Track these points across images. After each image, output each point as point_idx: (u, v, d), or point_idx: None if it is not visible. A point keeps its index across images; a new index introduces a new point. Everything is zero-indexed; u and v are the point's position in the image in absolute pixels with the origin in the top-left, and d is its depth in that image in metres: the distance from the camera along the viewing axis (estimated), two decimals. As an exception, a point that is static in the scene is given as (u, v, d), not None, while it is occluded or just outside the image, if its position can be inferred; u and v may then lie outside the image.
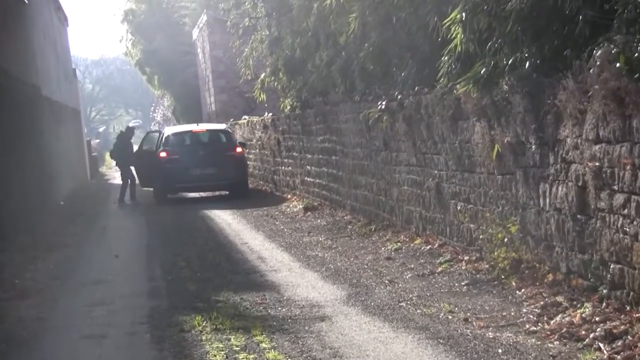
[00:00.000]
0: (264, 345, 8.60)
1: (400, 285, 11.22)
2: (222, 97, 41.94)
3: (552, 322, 8.56)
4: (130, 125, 33.65)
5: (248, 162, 29.20)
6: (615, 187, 8.16)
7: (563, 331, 8.16)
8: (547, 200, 9.68)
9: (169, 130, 28.39)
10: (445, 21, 11.53)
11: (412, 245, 13.88)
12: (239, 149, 26.63)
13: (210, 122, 39.66)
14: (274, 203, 23.56)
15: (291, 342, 8.65)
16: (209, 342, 8.80)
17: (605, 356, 7.45)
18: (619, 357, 7.36)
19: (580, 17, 8.93)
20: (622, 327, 7.86)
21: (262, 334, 8.97)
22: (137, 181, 27.40)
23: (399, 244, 14.16)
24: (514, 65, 9.98)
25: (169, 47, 48.75)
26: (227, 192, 27.19)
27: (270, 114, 27.71)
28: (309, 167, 22.31)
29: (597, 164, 8.39)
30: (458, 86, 11.29)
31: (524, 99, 9.86)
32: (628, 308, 8.17)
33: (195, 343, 8.84)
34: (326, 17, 18.58)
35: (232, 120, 35.96)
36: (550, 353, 7.73)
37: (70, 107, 35.70)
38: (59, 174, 27.02)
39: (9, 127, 17.74)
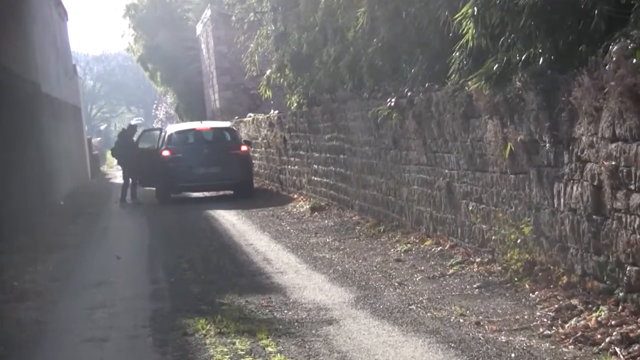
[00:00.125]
0: (269, 349, 8.60)
1: (410, 287, 11.21)
2: (227, 94, 41.97)
3: (566, 325, 8.54)
4: (132, 122, 33.69)
5: (253, 161, 29.22)
6: (632, 187, 8.14)
7: (578, 335, 8.15)
8: (562, 200, 9.66)
9: (172, 128, 28.41)
10: (457, 16, 11.52)
11: (422, 246, 13.87)
12: (244, 148, 26.65)
13: (214, 120, 39.67)
14: (280, 203, 23.56)
15: (298, 346, 8.64)
16: (213, 346, 8.80)
17: (621, 361, 7.44)
18: (635, 362, 7.36)
19: (596, 12, 8.92)
20: (639, 330, 7.85)
21: (267, 338, 8.97)
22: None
23: (408, 245, 14.15)
24: (528, 61, 9.97)
25: (172, 43, 48.78)
26: (232, 192, 27.21)
27: (276, 112, 27.73)
28: (316, 166, 22.32)
29: (613, 163, 8.37)
30: (470, 83, 11.28)
31: (537, 96, 9.85)
32: (645, 311, 8.16)
33: (199, 347, 8.84)
34: (334, 11, 18.60)
35: (236, 117, 35.99)
36: (565, 358, 7.72)
37: (71, 105, 35.75)
38: (59, 173, 27.07)
39: (8, 125, 17.77)
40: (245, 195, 25.95)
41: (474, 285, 10.85)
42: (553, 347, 8.06)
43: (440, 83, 13.14)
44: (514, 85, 10.29)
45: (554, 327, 8.60)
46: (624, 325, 8.08)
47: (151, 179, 26.49)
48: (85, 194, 31.09)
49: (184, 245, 16.33)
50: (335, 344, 8.67)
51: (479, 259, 11.98)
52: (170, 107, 67.49)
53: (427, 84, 13.73)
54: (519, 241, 10.76)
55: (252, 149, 29.74)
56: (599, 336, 8.02)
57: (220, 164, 25.74)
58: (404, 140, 15.10)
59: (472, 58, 11.66)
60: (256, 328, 9.38)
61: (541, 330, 8.61)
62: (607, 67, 8.18)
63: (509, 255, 10.89)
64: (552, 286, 9.84)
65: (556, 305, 9.19)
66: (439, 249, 13.34)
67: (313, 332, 9.19)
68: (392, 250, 14.17)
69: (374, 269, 12.74)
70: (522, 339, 8.39)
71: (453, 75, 12.28)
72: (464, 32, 11.28)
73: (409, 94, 14.30)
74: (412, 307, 10.07)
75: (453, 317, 9.43)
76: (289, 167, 25.84)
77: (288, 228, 18.27)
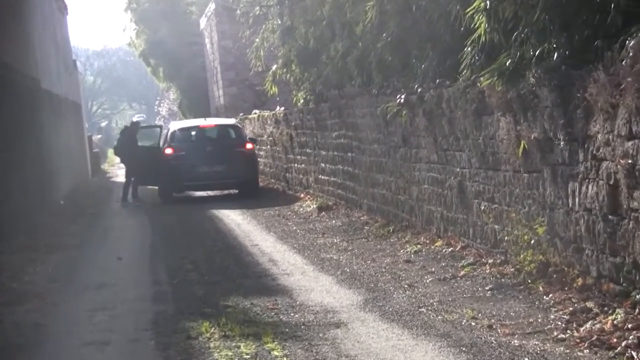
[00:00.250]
0: (275, 353, 8.61)
1: (420, 289, 11.21)
2: (231, 90, 42.04)
3: (581, 329, 8.54)
4: (134, 120, 33.72)
5: (259, 159, 29.21)
6: (649, 186, 8.14)
7: (593, 339, 8.14)
8: (577, 199, 9.66)
9: (175, 125, 28.43)
10: (468, 9, 11.51)
11: (432, 247, 13.88)
12: (249, 145, 26.65)
13: (218, 117, 39.74)
14: (286, 202, 23.58)
15: (304, 350, 8.65)
16: (218, 350, 8.81)
17: (638, 366, 7.44)
18: (653, 366, 7.35)
19: (612, 5, 8.91)
20: (657, 334, 7.85)
21: (273, 341, 8.98)
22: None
23: (418, 246, 14.15)
24: (542, 56, 9.97)
25: (175, 37, 48.87)
26: (237, 191, 27.24)
27: (283, 108, 27.75)
28: (323, 165, 22.32)
29: (629, 161, 8.36)
30: (482, 79, 11.28)
31: (552, 92, 9.84)
32: (663, 315, 8.16)
33: (203, 350, 8.85)
34: (342, 5, 18.60)
35: (241, 114, 36.02)
36: (580, 362, 7.73)
37: (71, 101, 35.79)
38: (59, 171, 27.10)
39: (7, 122, 17.80)
40: (251, 195, 25.97)
41: (486, 288, 10.85)
42: (568, 351, 8.05)
43: (451, 79, 13.14)
44: (527, 81, 10.29)
45: (568, 331, 8.60)
46: (641, 329, 8.08)
47: (153, 177, 26.49)
48: (85, 192, 31.12)
49: (187, 246, 16.35)
50: (343, 347, 8.67)
51: (491, 260, 11.97)
52: (173, 103, 67.63)
53: (437, 80, 13.73)
54: (532, 242, 10.76)
55: (258, 146, 29.74)
56: (615, 340, 8.02)
57: (224, 162, 25.76)
58: (414, 137, 15.10)
59: (485, 53, 11.65)
60: (262, 331, 9.38)
61: (555, 333, 8.60)
62: (623, 62, 8.17)
63: (522, 256, 10.89)
64: (566, 288, 9.84)
65: (571, 308, 9.18)
66: (450, 249, 13.34)
67: (320, 335, 9.19)
68: (401, 251, 14.18)
69: (383, 270, 12.74)
70: (536, 342, 8.38)
71: (465, 71, 12.28)
72: (476, 26, 11.27)
73: (419, 90, 14.30)
74: (423, 309, 10.08)
75: (464, 320, 9.43)
76: (296, 165, 25.86)
77: (294, 228, 18.29)
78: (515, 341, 8.46)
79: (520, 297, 10.22)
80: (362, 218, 18.31)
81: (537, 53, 10.03)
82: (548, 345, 8.29)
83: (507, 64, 10.57)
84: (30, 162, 20.80)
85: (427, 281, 11.68)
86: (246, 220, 20.40)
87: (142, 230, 20.13)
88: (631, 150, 8.33)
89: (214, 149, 26.11)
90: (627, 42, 8.19)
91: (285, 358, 8.41)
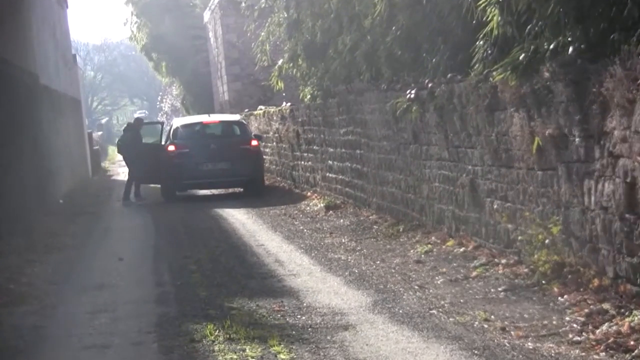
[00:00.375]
0: (282, 356, 8.62)
1: (431, 291, 11.22)
2: (236, 86, 42.03)
3: (597, 331, 8.54)
4: (137, 116, 33.73)
5: (264, 157, 29.25)
6: (668, 184, 8.14)
7: (610, 341, 8.14)
8: (592, 198, 9.66)
9: (178, 122, 28.43)
10: (481, 2, 11.53)
11: (443, 247, 13.88)
12: (254, 143, 26.65)
13: (223, 113, 39.75)
14: (293, 201, 23.60)
15: (312, 353, 8.66)
16: (222, 353, 8.82)
17: (656, 369, 7.44)
18: (671, 370, 7.36)
19: (629, -3, 8.92)
20: (675, 337, 7.86)
21: (279, 344, 8.99)
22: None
23: (429, 245, 14.16)
24: (556, 50, 9.97)
25: (178, 31, 48.89)
26: (241, 190, 27.27)
27: (289, 104, 27.75)
28: (330, 162, 22.34)
29: (647, 158, 8.37)
30: (494, 73, 11.27)
31: (567, 87, 9.84)
32: (681, 316, 8.15)
33: (207, 354, 8.86)
34: (350, -3, 18.62)
35: (246, 110, 36.06)
36: (596, 365, 7.74)
37: (70, 97, 35.86)
38: (58, 170, 27.16)
39: (4, 118, 17.84)
40: (256, 193, 26.01)
41: (499, 289, 10.85)
42: (583, 354, 8.06)
43: (463, 73, 13.14)
44: (541, 75, 10.29)
45: (584, 333, 8.60)
46: (659, 331, 8.09)
47: (155, 175, 26.50)
48: (85, 191, 31.20)
49: (190, 246, 16.38)
50: (351, 350, 8.68)
51: (505, 261, 11.98)
52: (176, 99, 67.70)
53: (449, 75, 13.73)
54: (547, 242, 10.76)
55: (263, 143, 29.78)
56: (632, 342, 8.02)
57: (229, 159, 25.77)
58: (424, 134, 15.11)
59: (497, 47, 11.66)
60: (267, 334, 9.40)
61: (571, 336, 8.61)
62: (641, 56, 8.18)
63: (536, 256, 10.89)
64: (582, 289, 9.84)
65: (587, 310, 9.19)
66: (461, 249, 13.35)
67: (328, 338, 9.21)
68: (411, 251, 14.19)
69: (393, 271, 12.75)
70: (551, 345, 8.39)
71: (477, 66, 12.28)
72: (489, 19, 11.28)
73: (429, 85, 14.30)
74: (433, 311, 10.08)
75: (477, 323, 9.43)
76: (302, 163, 25.87)
77: (301, 228, 18.30)
78: (529, 344, 8.47)
79: (535, 298, 10.22)
80: (371, 217, 18.32)
81: (551, 47, 10.03)
82: (563, 348, 8.29)
83: (521, 58, 10.57)
84: (29, 160, 20.85)
85: (438, 282, 11.69)
86: (251, 219, 20.43)
87: (144, 230, 20.15)
88: (649, 147, 8.34)
89: (218, 146, 26.11)
90: (645, 35, 8.19)
91: (291, 361, 8.45)
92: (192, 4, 48.94)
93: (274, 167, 30.56)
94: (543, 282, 10.55)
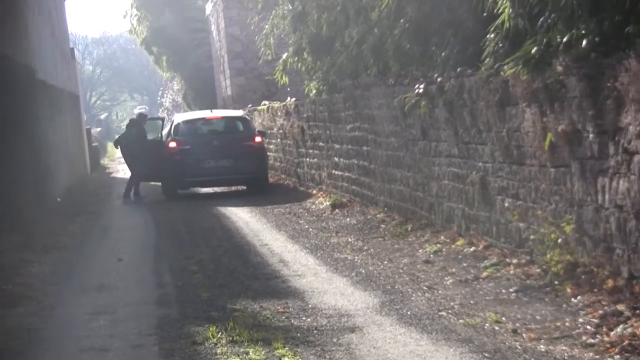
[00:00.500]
0: (286, 359, 8.63)
1: (440, 292, 11.23)
2: (239, 80, 42.06)
3: (612, 333, 8.54)
4: (138, 111, 33.73)
5: (268, 154, 29.27)
6: (684, 182, 8.14)
7: (625, 344, 8.15)
8: (607, 196, 9.66)
9: (179, 118, 28.45)
10: (491, -6, 11.53)
11: (453, 246, 13.88)
12: (258, 139, 26.65)
13: (225, 109, 39.78)
14: (298, 199, 23.60)
15: (317, 356, 8.68)
16: (225, 356, 8.84)
17: (672, 372, 7.45)
18: (688, 373, 7.35)
19: (645, -11, 8.92)
20: (692, 339, 7.86)
21: (284, 347, 9.00)
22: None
23: (438, 245, 14.16)
24: (569, 43, 9.96)
25: (179, 24, 48.91)
26: (245, 187, 27.29)
27: (294, 99, 27.76)
28: (336, 159, 22.34)
29: (663, 155, 8.37)
30: (506, 67, 11.28)
31: (580, 81, 9.84)
32: (699, 318, 8.15)
33: (209, 357, 8.88)
34: (356, -11, 18.62)
35: (250, 106, 36.05)
36: (610, 369, 7.75)
37: (68, 92, 35.86)
38: (56, 167, 27.16)
39: (0, 114, 17.84)
40: (259, 191, 26.02)
41: (511, 290, 10.85)
42: (597, 357, 8.06)
43: (473, 68, 13.14)
44: (554, 70, 10.28)
45: (598, 335, 8.60)
46: (675, 334, 8.08)
47: (156, 173, 26.52)
48: (84, 189, 31.20)
49: (192, 246, 16.39)
50: (358, 353, 8.69)
51: (516, 261, 11.98)
52: (177, 94, 67.71)
53: (459, 69, 13.73)
54: (559, 241, 10.75)
55: (267, 140, 29.79)
56: (647, 345, 8.03)
57: (232, 156, 25.77)
58: (433, 130, 15.11)
59: (509, 40, 11.66)
60: (271, 336, 9.41)
61: (584, 338, 8.61)
62: (657, 49, 8.18)
63: (548, 256, 10.89)
64: (596, 290, 9.83)
65: (601, 311, 9.19)
66: (471, 249, 13.35)
67: (334, 340, 9.22)
68: (420, 250, 14.19)
69: (401, 271, 12.76)
70: (564, 348, 8.39)
71: (487, 59, 12.29)
72: (500, 11, 11.28)
73: (439, 79, 14.30)
74: (443, 313, 10.09)
75: (487, 325, 9.44)
76: (308, 160, 25.88)
77: (306, 227, 18.31)
78: (542, 346, 8.48)
79: (547, 299, 10.22)
80: (378, 216, 18.32)
81: (564, 40, 10.03)
82: (576, 350, 8.29)
83: (533, 51, 10.56)
84: (25, 157, 20.85)
85: (448, 283, 11.70)
86: (255, 218, 20.44)
87: (145, 229, 20.18)
88: (665, 143, 8.34)
89: (220, 143, 26.09)
90: (661, 27, 8.19)
91: (296, 364, 8.46)
92: (194, -4, 49.00)
93: (278, 164, 30.58)
94: (556, 282, 10.54)
